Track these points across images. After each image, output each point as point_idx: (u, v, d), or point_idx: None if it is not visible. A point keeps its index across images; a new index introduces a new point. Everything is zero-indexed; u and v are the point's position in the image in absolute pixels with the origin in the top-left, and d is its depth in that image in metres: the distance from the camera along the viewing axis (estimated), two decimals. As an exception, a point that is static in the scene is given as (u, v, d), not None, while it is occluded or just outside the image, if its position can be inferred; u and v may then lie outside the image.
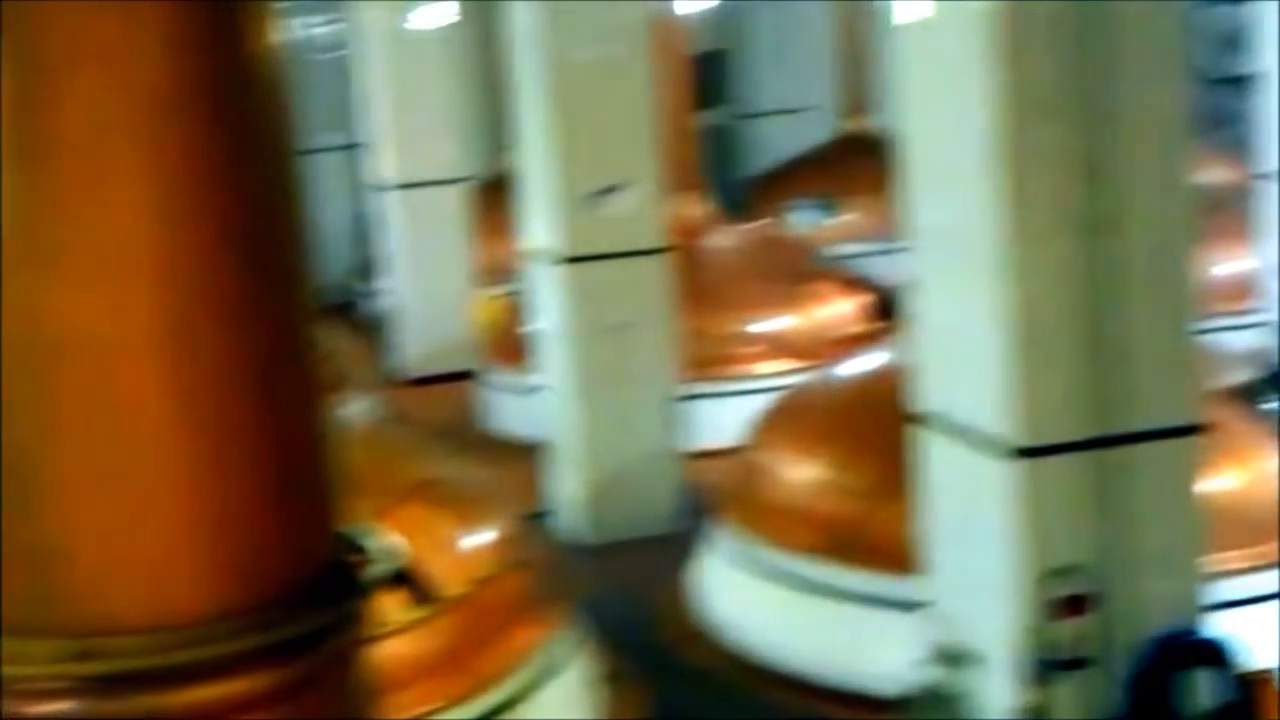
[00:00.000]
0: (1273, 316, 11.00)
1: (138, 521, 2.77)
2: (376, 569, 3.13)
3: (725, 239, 13.74)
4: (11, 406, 2.73)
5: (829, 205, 16.43)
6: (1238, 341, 10.32)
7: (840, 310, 13.26)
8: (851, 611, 8.12)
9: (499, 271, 14.35)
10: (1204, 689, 6.21)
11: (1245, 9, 12.18)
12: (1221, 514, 6.81)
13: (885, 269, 12.55)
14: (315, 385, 3.02)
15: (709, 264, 13.03)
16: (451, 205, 15.42)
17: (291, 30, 18.59)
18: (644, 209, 10.73)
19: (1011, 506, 6.21)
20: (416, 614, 6.16)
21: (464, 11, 15.79)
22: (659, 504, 10.69)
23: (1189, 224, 6.30)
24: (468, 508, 7.35)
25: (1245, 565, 7.43)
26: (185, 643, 2.76)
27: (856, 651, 7.94)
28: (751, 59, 20.41)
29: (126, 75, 2.67)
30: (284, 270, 2.91)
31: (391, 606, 3.12)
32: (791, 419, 9.17)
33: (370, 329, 16.30)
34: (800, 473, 8.76)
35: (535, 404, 11.79)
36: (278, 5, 2.93)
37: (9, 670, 2.79)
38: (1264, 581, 7.49)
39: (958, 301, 6.45)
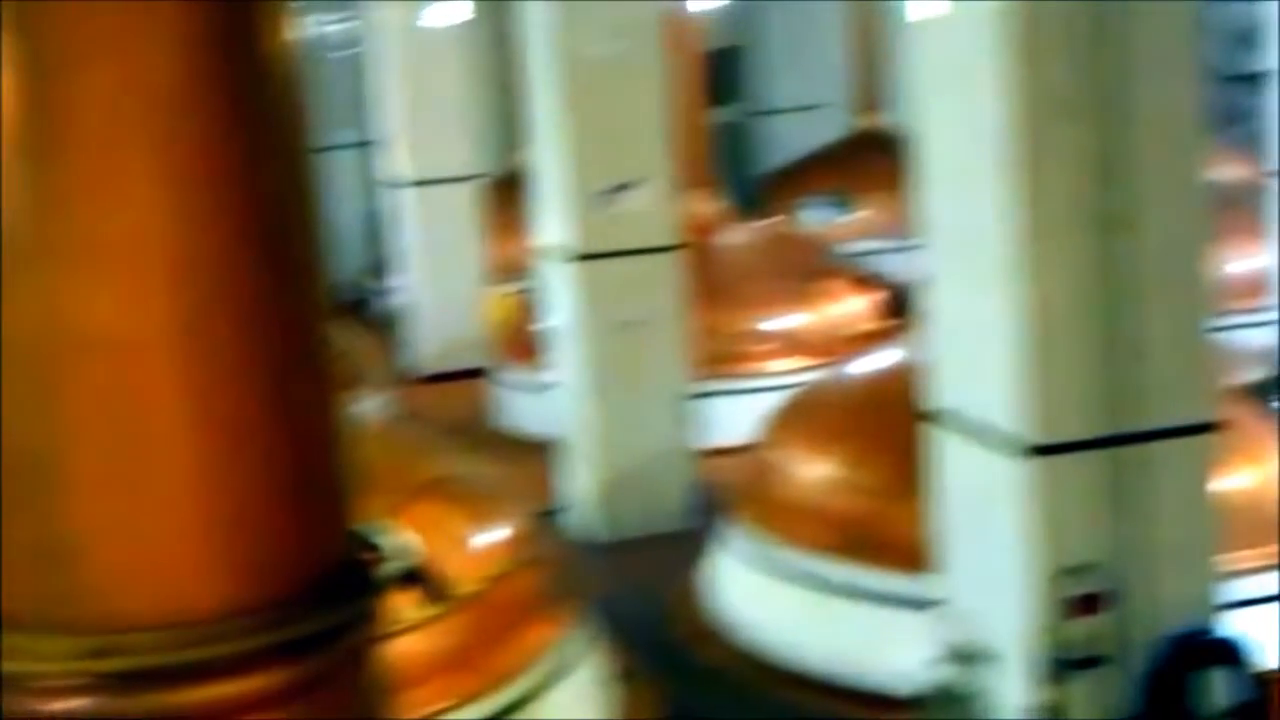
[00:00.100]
0: (1286, 314, 10.95)
1: (152, 519, 2.77)
2: (389, 567, 3.12)
3: (738, 236, 13.74)
4: (26, 404, 2.73)
5: (843, 202, 16.42)
6: (1250, 340, 10.29)
7: (853, 308, 13.26)
8: (864, 610, 8.11)
9: (511, 269, 14.36)
10: (1220, 688, 6.20)
11: (1258, 6, 12.14)
12: (1234, 513, 6.79)
13: (898, 266, 12.54)
14: (329, 383, 3.01)
15: (722, 261, 13.02)
16: (465, 203, 15.43)
17: (305, 28, 18.60)
18: (657, 206, 10.73)
19: (1026, 505, 6.20)
20: (429, 612, 6.14)
21: (477, 9, 15.80)
22: (671, 501, 10.69)
23: (1203, 222, 6.28)
24: (480, 505, 7.35)
25: (1258, 564, 7.40)
26: (199, 640, 2.76)
27: (869, 650, 7.93)
28: (765, 56, 20.40)
29: (141, 73, 2.67)
30: (299, 268, 2.91)
31: (404, 604, 3.12)
32: (804, 417, 9.16)
33: (382, 326, 16.32)
34: (813, 471, 8.75)
35: (547, 401, 11.80)
36: (292, 3, 2.93)
37: (24, 667, 2.79)
38: (1276, 581, 7.47)
39: (972, 299, 6.44)
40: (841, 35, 18.54)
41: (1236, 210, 11.03)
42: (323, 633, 2.89)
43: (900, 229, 12.77)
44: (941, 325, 6.74)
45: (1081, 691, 6.20)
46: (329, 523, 3.00)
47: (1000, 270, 6.18)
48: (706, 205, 13.21)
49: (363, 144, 17.92)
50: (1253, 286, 11.89)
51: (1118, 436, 6.18)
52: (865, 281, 13.60)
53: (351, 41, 18.40)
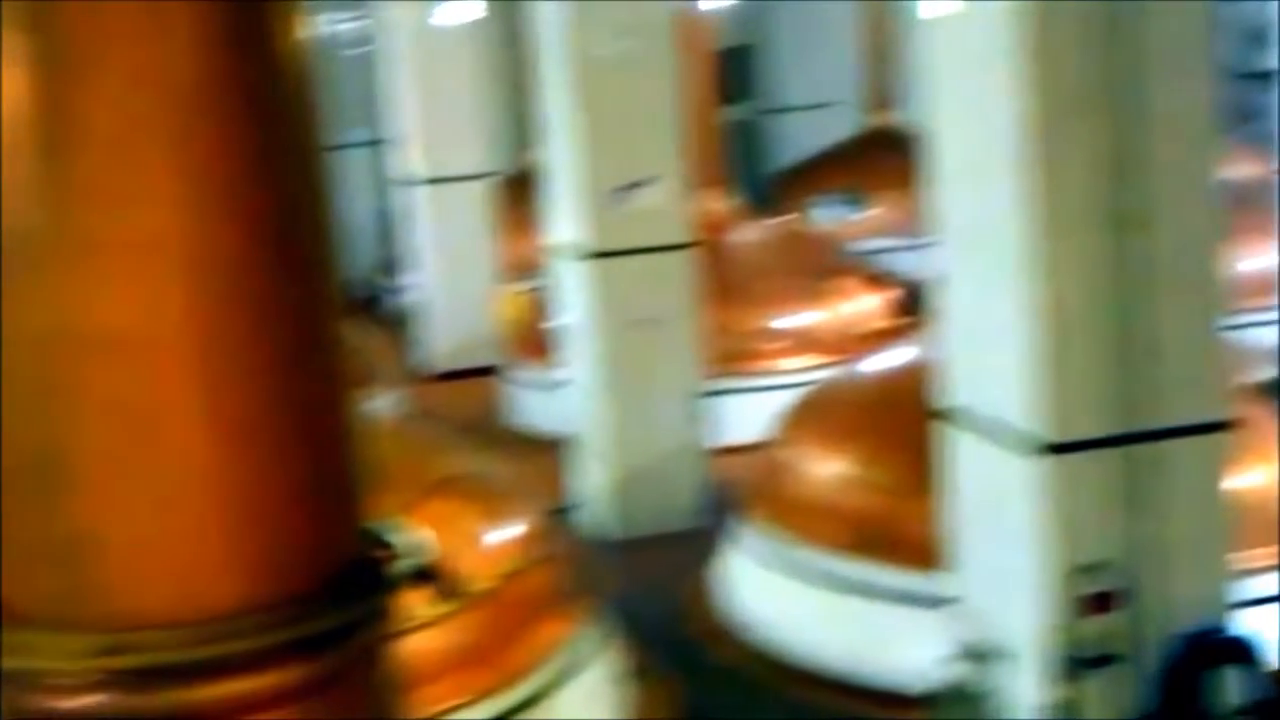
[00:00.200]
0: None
1: (165, 517, 2.77)
2: (403, 564, 3.12)
3: (750, 234, 13.74)
4: (40, 402, 2.74)
5: (856, 200, 16.41)
6: (1263, 338, 10.26)
7: (865, 306, 13.25)
8: (877, 608, 8.10)
9: (522, 267, 14.37)
10: (1233, 687, 6.19)
11: (1269, 4, 12.13)
12: (1247, 511, 6.78)
13: (911, 264, 12.53)
14: (342, 380, 3.02)
15: (734, 259, 13.02)
16: (477, 201, 15.44)
17: (317, 26, 18.61)
18: (669, 204, 10.73)
19: (1039, 503, 6.19)
20: (443, 609, 6.16)
21: (489, 7, 15.81)
22: (684, 499, 10.69)
23: (1217, 220, 6.27)
24: (494, 503, 7.35)
25: (1272, 563, 7.38)
26: (212, 638, 2.76)
27: (882, 648, 7.92)
28: (776, 54, 20.39)
29: (156, 73, 2.67)
30: (312, 266, 2.91)
31: (418, 602, 3.11)
32: (817, 415, 9.16)
33: (394, 324, 16.34)
34: (826, 469, 8.74)
35: (559, 399, 11.80)
36: (304, 2, 2.93)
37: (37, 665, 2.80)
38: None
39: (986, 298, 6.43)
40: (853, 33, 18.53)
41: (1248, 209, 11.01)
42: (336, 630, 2.89)
43: (912, 227, 12.78)
44: (955, 324, 6.74)
45: (1095, 690, 6.19)
46: (342, 520, 3.00)
47: (1014, 268, 6.17)
48: (718, 203, 13.21)
49: (374, 142, 17.94)
50: (1265, 285, 11.86)
51: (1131, 435, 6.17)
52: (877, 279, 13.59)
53: (363, 40, 18.42)
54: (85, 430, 2.74)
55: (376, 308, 17.42)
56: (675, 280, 10.84)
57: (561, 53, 10.71)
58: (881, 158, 16.15)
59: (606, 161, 10.62)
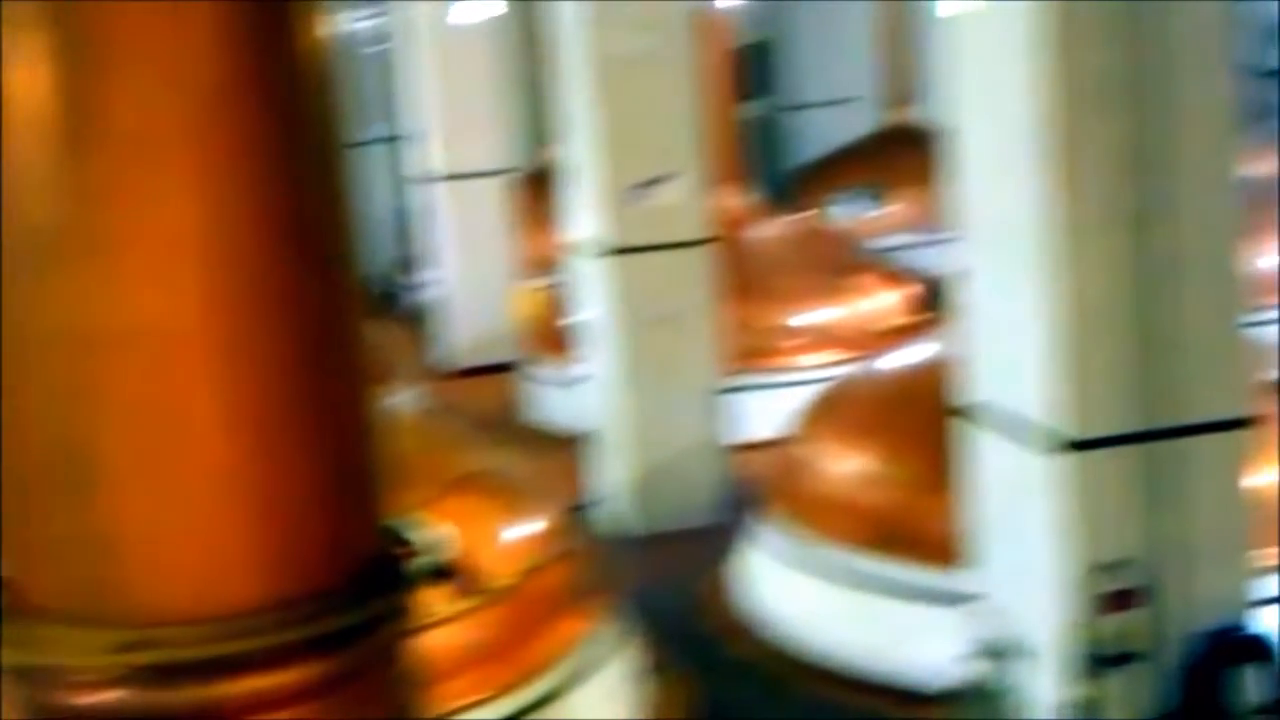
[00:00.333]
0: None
1: (187, 512, 2.78)
2: (423, 561, 3.12)
3: (769, 231, 13.72)
4: (63, 398, 2.75)
5: (876, 195, 16.39)
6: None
7: (884, 302, 13.23)
8: (896, 605, 8.09)
9: (541, 264, 14.37)
10: (1254, 684, 6.17)
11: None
12: (1266, 509, 6.75)
13: (929, 260, 12.51)
14: (363, 377, 3.02)
15: (753, 255, 13.01)
16: (495, 197, 15.45)
17: (336, 25, 18.64)
18: (688, 201, 10.72)
19: (1061, 500, 6.17)
20: (463, 605, 6.17)
21: (507, 4, 15.82)
22: (703, 496, 10.68)
23: (1238, 216, 6.25)
24: (513, 499, 7.36)
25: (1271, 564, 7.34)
26: (233, 634, 2.77)
27: (901, 645, 7.90)
28: (794, 50, 20.37)
29: (178, 70, 2.68)
30: (333, 262, 2.92)
31: (438, 598, 3.11)
32: (836, 411, 9.15)
33: (413, 321, 16.35)
34: (844, 465, 8.73)
35: (577, 396, 11.80)
36: (324, 0, 2.94)
37: (59, 660, 2.81)
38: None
39: (1007, 294, 6.41)
40: (871, 29, 18.51)
41: (1265, 206, 10.97)
42: (356, 627, 2.90)
43: (930, 223, 12.76)
44: (976, 320, 6.72)
45: (1115, 688, 6.17)
46: (363, 517, 3.00)
47: (1035, 264, 6.15)
48: (737, 200, 13.20)
49: (392, 139, 17.96)
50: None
51: (1152, 432, 6.16)
52: (896, 276, 13.58)
53: (381, 38, 18.44)
54: (107, 427, 2.74)
55: (395, 304, 17.43)
56: (694, 277, 10.84)
57: (580, 49, 10.70)
58: (900, 154, 16.13)
59: (625, 158, 10.62)
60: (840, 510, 8.55)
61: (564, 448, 11.79)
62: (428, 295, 16.21)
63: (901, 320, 12.66)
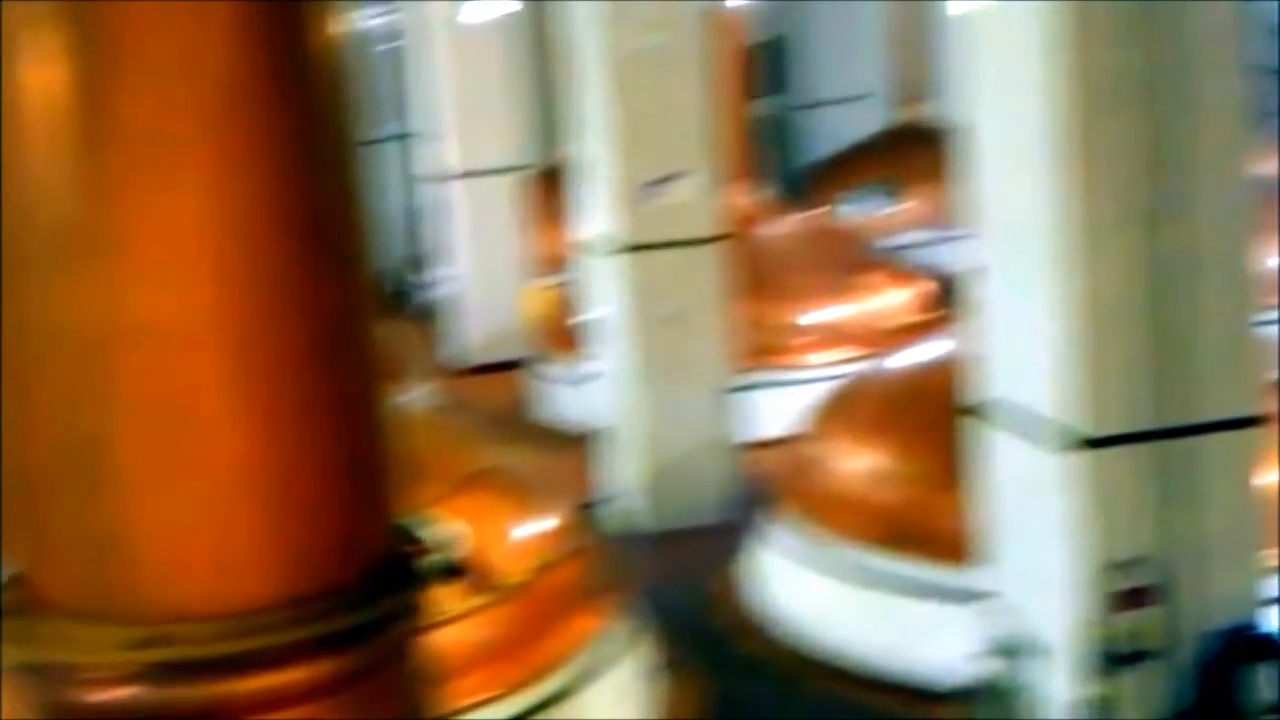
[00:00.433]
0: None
1: (200, 510, 2.78)
2: (434, 558, 3.12)
3: (782, 228, 13.71)
4: (77, 395, 2.75)
5: (890, 192, 16.36)
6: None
7: (895, 300, 13.21)
8: (908, 603, 8.08)
9: (553, 262, 14.37)
10: (1267, 683, 6.16)
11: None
12: (1268, 509, 6.73)
13: (941, 258, 12.49)
14: (375, 374, 3.02)
15: (765, 253, 13.00)
16: (508, 194, 15.45)
17: (349, 22, 18.64)
18: (700, 198, 10.71)
19: (1074, 498, 6.16)
20: (474, 602, 6.17)
21: (520, 2, 15.82)
22: (714, 493, 10.67)
23: (1251, 215, 6.24)
24: (525, 497, 7.36)
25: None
26: (246, 632, 2.77)
27: (913, 643, 7.89)
28: (808, 48, 20.33)
29: (191, 68, 2.68)
30: (346, 259, 2.92)
31: (449, 595, 3.11)
32: (847, 409, 9.14)
33: (425, 317, 16.35)
34: (856, 463, 8.73)
35: (587, 393, 11.79)
36: (338, -3, 2.94)
37: (72, 657, 2.81)
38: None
39: (1022, 292, 6.40)
40: (884, 27, 18.47)
41: (1275, 205, 10.92)
42: (369, 624, 2.90)
43: (943, 221, 12.73)
44: (990, 317, 6.71)
45: (1129, 686, 6.16)
46: (375, 514, 3.00)
47: (1049, 262, 6.14)
48: (750, 197, 13.19)
49: (404, 137, 17.96)
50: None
51: (1166, 429, 6.14)
52: (907, 274, 13.56)
53: (394, 35, 18.44)
54: (119, 425, 2.75)
55: (407, 301, 17.44)
56: (706, 274, 10.83)
57: (593, 47, 10.70)
58: (913, 151, 16.09)
59: (638, 156, 10.61)
60: (852, 508, 8.54)
61: (575, 445, 11.78)
62: (439, 292, 16.21)
63: (913, 318, 12.64)
